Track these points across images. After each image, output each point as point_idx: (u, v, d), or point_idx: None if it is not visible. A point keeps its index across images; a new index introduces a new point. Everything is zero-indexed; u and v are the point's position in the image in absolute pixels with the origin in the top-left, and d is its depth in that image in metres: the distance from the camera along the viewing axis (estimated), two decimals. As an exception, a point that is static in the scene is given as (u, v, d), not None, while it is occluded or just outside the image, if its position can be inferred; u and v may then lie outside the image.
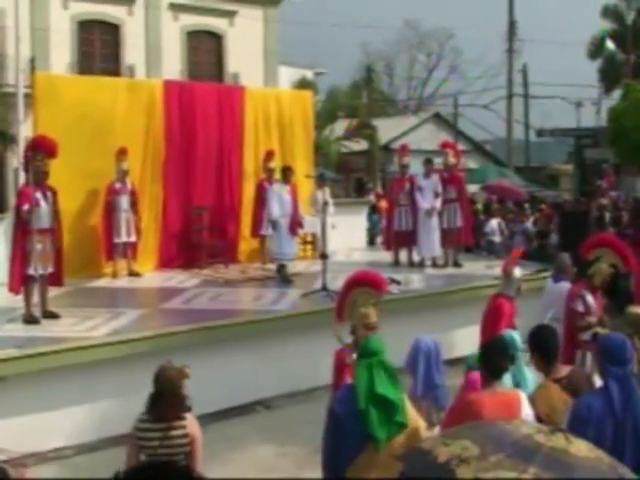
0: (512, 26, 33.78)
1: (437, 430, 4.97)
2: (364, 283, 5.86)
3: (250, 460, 7.56)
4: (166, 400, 4.92)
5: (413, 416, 4.57)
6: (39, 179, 9.27)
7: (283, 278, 12.03)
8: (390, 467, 4.32)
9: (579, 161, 19.61)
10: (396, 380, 4.54)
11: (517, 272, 7.78)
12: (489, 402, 4.69)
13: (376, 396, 4.40)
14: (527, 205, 19.85)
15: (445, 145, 14.61)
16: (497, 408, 4.60)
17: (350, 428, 4.42)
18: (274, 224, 12.12)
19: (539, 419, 4.69)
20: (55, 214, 9.43)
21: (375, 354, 4.56)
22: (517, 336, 6.01)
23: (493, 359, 4.94)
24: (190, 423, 4.95)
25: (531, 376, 5.60)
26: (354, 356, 5.51)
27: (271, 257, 12.81)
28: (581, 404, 4.47)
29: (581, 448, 2.98)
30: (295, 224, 12.09)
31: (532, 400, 5.06)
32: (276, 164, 14.02)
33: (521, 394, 4.93)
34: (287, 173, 12.32)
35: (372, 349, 4.60)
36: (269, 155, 13.95)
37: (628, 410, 4.35)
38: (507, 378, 5.19)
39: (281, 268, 12.17)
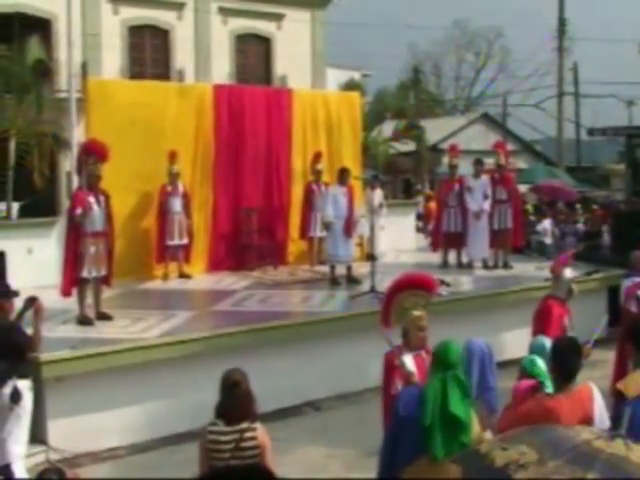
0: (562, 24, 33.34)
1: (488, 434, 4.93)
2: (414, 285, 5.80)
3: (299, 462, 7.57)
4: (237, 400, 4.92)
5: (477, 431, 4.51)
6: (91, 183, 9.42)
7: (333, 280, 12.04)
8: (444, 477, 4.29)
9: (631, 160, 19.19)
10: (468, 395, 4.45)
11: (567, 273, 7.68)
12: (566, 404, 4.62)
13: (447, 415, 4.34)
14: (578, 205, 19.56)
15: (497, 145, 14.49)
16: (573, 408, 4.54)
17: (412, 430, 4.39)
18: (328, 225, 12.13)
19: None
20: (107, 217, 9.57)
21: (452, 366, 4.48)
22: (548, 341, 5.91)
23: (567, 360, 4.85)
24: (261, 433, 4.94)
25: None
26: (403, 358, 5.50)
27: (326, 258, 12.79)
28: (620, 408, 4.36)
29: None
30: (350, 226, 12.04)
31: (624, 382, 5.03)
32: (324, 166, 14.06)
33: (592, 386, 4.85)
34: (344, 174, 12.24)
35: (451, 360, 4.49)
36: (317, 157, 13.96)
37: None
38: None
39: (332, 270, 12.16)
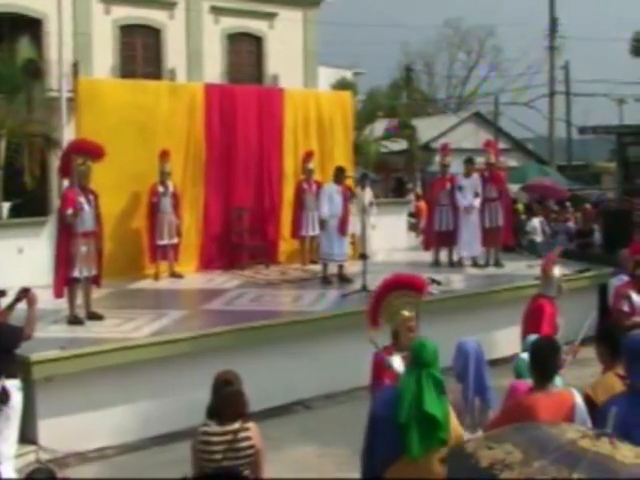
0: (554, 23, 33.38)
1: (480, 433, 4.92)
2: (404, 286, 5.77)
3: (290, 460, 7.56)
4: (229, 400, 4.89)
5: (455, 427, 4.50)
6: (81, 182, 9.38)
7: (324, 279, 12.03)
8: (429, 476, 4.28)
9: (622, 159, 19.25)
10: (443, 392, 4.43)
11: (557, 272, 7.68)
12: (544, 404, 4.61)
13: (422, 413, 4.31)
14: (569, 204, 19.59)
15: (488, 144, 14.50)
16: (552, 409, 4.53)
17: (389, 431, 4.37)
18: (322, 223, 12.11)
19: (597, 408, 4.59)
20: (97, 217, 9.55)
21: (428, 365, 4.45)
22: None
23: (545, 361, 4.85)
24: (255, 433, 4.92)
25: (559, 381, 5.51)
26: (392, 359, 5.47)
27: (319, 257, 12.77)
28: (606, 407, 4.33)
29: (627, 454, 2.91)
30: (344, 224, 12.02)
31: (593, 388, 5.03)
32: (315, 165, 14.06)
33: (574, 391, 4.86)
34: (339, 173, 12.23)
35: (426, 360, 4.46)
36: (308, 156, 13.95)
37: None
38: (558, 379, 5.14)
39: (325, 268, 12.15)
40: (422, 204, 20.74)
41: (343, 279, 12.03)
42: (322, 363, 9.59)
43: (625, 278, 8.78)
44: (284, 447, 7.79)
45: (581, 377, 6.39)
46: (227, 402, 4.89)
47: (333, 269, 12.18)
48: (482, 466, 2.90)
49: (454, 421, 4.52)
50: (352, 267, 12.28)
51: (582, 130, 25.50)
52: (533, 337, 6.14)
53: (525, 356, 5.53)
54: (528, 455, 2.86)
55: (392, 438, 4.35)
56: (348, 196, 12.19)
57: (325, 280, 12.02)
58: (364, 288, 10.72)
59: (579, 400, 4.77)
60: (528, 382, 5.17)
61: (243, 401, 4.97)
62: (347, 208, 12.07)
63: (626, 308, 8.11)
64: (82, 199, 9.30)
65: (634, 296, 8.19)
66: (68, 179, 9.75)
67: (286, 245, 14.23)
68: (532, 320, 7.41)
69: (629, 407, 4.19)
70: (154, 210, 12.34)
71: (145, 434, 8.36)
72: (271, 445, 7.91)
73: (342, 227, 11.98)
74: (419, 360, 4.50)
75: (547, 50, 33.78)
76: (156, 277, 12.38)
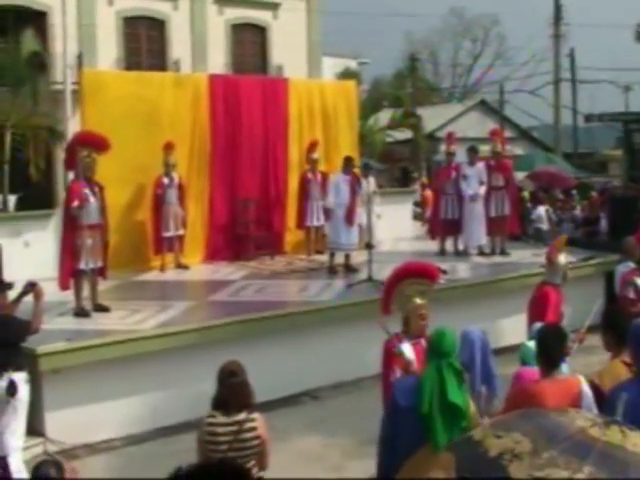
0: (558, 10, 33.23)
1: (487, 420, 4.92)
2: (416, 274, 5.79)
3: (297, 451, 7.57)
4: (234, 391, 4.89)
5: (474, 415, 4.51)
6: (87, 175, 9.38)
7: (331, 269, 12.04)
8: (448, 467, 4.28)
9: (628, 146, 19.14)
10: (463, 381, 4.45)
11: (562, 259, 7.66)
12: (551, 391, 4.62)
13: (446, 403, 4.34)
14: (575, 192, 19.52)
15: (494, 133, 14.46)
16: (559, 396, 4.54)
17: (411, 422, 4.38)
18: (328, 213, 12.04)
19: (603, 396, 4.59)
20: (102, 209, 9.54)
21: (448, 355, 4.47)
22: None
23: (551, 348, 4.86)
24: (260, 424, 4.92)
25: (566, 368, 5.50)
26: (402, 346, 5.48)
27: (326, 246, 12.75)
28: (614, 394, 4.33)
29: (638, 442, 2.88)
30: (352, 214, 11.98)
31: (599, 376, 5.03)
32: (320, 155, 14.04)
33: (581, 378, 4.85)
34: (347, 163, 12.18)
35: (446, 349, 4.49)
36: (312, 146, 13.93)
37: None
38: (564, 366, 5.15)
39: (332, 258, 12.14)
40: (429, 193, 20.67)
41: (349, 269, 12.02)
42: (328, 353, 9.59)
43: (632, 265, 8.77)
44: (290, 437, 7.80)
45: (588, 364, 6.38)
46: (232, 393, 4.90)
47: (340, 259, 12.15)
48: (491, 455, 2.87)
49: (473, 409, 4.53)
50: (358, 257, 12.26)
51: (588, 118, 25.37)
52: (539, 325, 6.14)
53: (531, 344, 5.53)
54: (537, 445, 2.84)
55: (414, 428, 4.35)
56: (356, 186, 12.12)
57: (331, 270, 12.01)
58: (370, 278, 10.71)
59: (586, 387, 4.77)
60: (534, 369, 5.17)
61: (248, 392, 4.98)
62: (355, 198, 12.02)
63: (632, 295, 8.10)
64: (87, 191, 9.29)
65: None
66: (73, 172, 9.75)
67: (292, 236, 14.21)
68: (537, 308, 7.40)
69: (638, 393, 4.18)
70: (159, 202, 12.33)
71: (152, 425, 8.38)
72: (277, 436, 7.94)
73: (349, 217, 11.92)
74: (439, 350, 4.52)
75: (552, 38, 33.64)
76: (162, 269, 12.38)
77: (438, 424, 4.29)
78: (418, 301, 5.60)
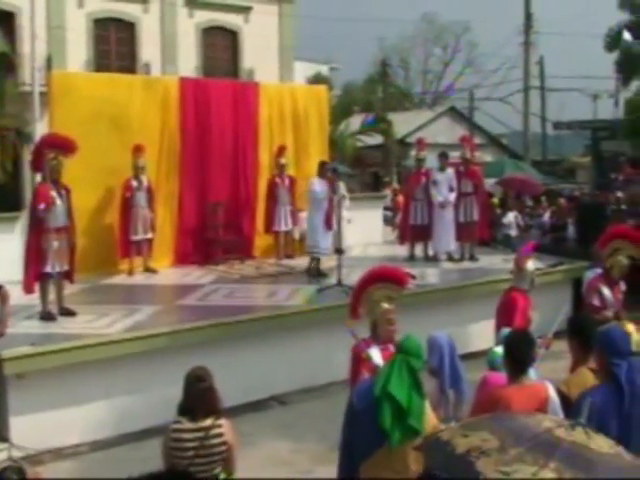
0: (528, 18, 33.53)
1: (454, 424, 4.94)
2: (385, 279, 5.81)
3: (265, 456, 7.55)
4: (200, 396, 4.87)
5: (431, 418, 4.51)
6: (54, 177, 9.30)
7: (316, 272, 12.06)
8: (405, 469, 4.29)
9: (596, 154, 19.44)
10: (418, 386, 4.44)
11: (530, 265, 7.71)
12: (517, 396, 4.66)
13: (386, 393, 4.36)
14: (544, 198, 19.70)
15: (464, 139, 14.53)
16: (526, 401, 4.57)
17: (367, 423, 4.38)
18: (307, 216, 12.20)
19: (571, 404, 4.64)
20: (69, 212, 9.47)
21: (408, 353, 4.49)
22: None
23: (519, 353, 4.90)
24: (227, 429, 4.90)
25: (533, 373, 5.54)
26: (371, 351, 5.49)
27: (306, 251, 12.72)
28: (580, 399, 4.37)
29: (602, 444, 2.94)
30: (330, 218, 11.97)
31: (566, 384, 5.06)
32: (290, 159, 14.06)
33: (548, 384, 4.89)
34: (323, 168, 12.21)
35: (406, 347, 4.51)
36: (280, 150, 13.93)
37: (634, 403, 4.26)
38: (531, 371, 5.19)
39: (313, 262, 12.17)
40: (400, 198, 20.77)
41: (319, 273, 12.04)
42: (298, 358, 9.58)
43: (600, 272, 8.86)
44: (258, 443, 7.79)
45: (554, 370, 6.42)
46: (199, 398, 4.88)
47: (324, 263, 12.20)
48: (458, 452, 2.91)
49: (429, 412, 4.54)
50: (328, 262, 12.28)
51: (557, 125, 25.68)
52: (507, 330, 6.18)
53: (499, 349, 5.56)
54: (504, 443, 2.89)
55: (370, 431, 4.36)
56: (332, 190, 12.10)
57: (317, 273, 12.05)
58: (339, 283, 10.72)
59: (553, 393, 4.82)
60: (501, 375, 5.21)
61: (215, 397, 4.96)
62: (332, 202, 12.00)
63: (597, 302, 8.18)
64: (54, 194, 9.21)
65: (605, 290, 8.26)
66: (40, 174, 9.66)
67: (261, 240, 14.20)
68: (505, 313, 7.45)
69: (603, 397, 4.25)
70: (128, 205, 12.26)
71: (120, 430, 8.31)
72: (245, 441, 7.91)
73: (328, 221, 11.93)
74: (400, 348, 4.55)
75: (522, 45, 33.93)
76: (130, 272, 12.31)
77: (387, 412, 4.30)
78: (386, 306, 5.62)
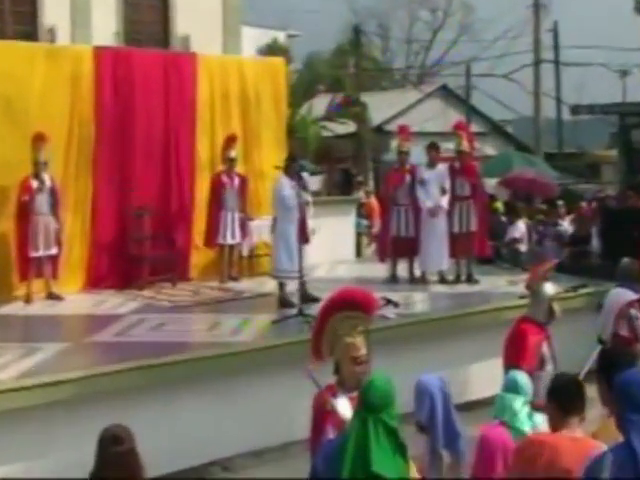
0: (538, -26, 33.93)
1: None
2: (347, 305, 5.79)
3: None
4: (118, 463, 4.77)
5: None
6: None
7: (282, 300, 11.83)
8: None
9: (625, 145, 19.53)
10: (399, 444, 4.39)
11: (547, 289, 7.71)
12: (570, 448, 4.70)
13: (369, 474, 4.26)
14: (561, 202, 19.83)
15: (458, 126, 14.54)
16: (577, 451, 4.62)
17: None
18: (272, 228, 12.07)
19: None
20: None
21: (377, 410, 4.41)
22: (522, 377, 6.01)
23: (568, 395, 4.99)
24: None
25: (540, 420, 5.54)
26: (336, 401, 5.44)
27: (274, 274, 12.33)
28: (604, 456, 4.34)
29: None
30: (305, 230, 11.73)
31: (594, 437, 5.09)
32: (238, 152, 14.01)
33: (603, 445, 4.89)
34: (292, 164, 12.04)
35: (374, 402, 4.44)
36: (229, 141, 13.96)
37: None
38: (538, 417, 5.32)
39: (281, 287, 11.96)
40: (373, 202, 20.81)
41: (309, 299, 11.44)
42: (246, 411, 9.55)
43: (631, 294, 8.90)
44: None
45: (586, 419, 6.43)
46: (115, 466, 4.78)
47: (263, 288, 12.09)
48: None
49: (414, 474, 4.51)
50: (287, 285, 12.20)
51: (575, 109, 25.87)
52: (514, 373, 6.16)
53: (509, 396, 5.57)
54: None
55: None
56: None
57: (285, 303, 11.71)
58: (300, 312, 10.66)
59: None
60: (502, 429, 5.21)
61: (137, 464, 4.86)
62: (304, 209, 11.77)
63: (624, 332, 8.23)
64: None
65: (637, 317, 8.33)
66: None
67: (200, 256, 14.24)
68: (512, 349, 7.46)
69: (623, 453, 4.24)
70: (26, 211, 12.18)
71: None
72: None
73: (302, 233, 11.64)
74: (365, 403, 4.47)
75: (531, 8, 34.26)
76: (27, 299, 12.20)
77: None
78: (349, 340, 5.59)
